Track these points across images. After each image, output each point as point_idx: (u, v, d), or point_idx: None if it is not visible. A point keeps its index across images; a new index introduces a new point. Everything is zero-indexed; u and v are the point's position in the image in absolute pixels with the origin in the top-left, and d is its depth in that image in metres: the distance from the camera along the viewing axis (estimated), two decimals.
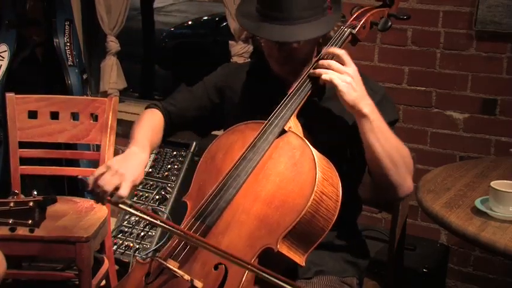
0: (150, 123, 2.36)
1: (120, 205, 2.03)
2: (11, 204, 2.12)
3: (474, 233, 2.23)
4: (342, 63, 2.10)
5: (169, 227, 2.05)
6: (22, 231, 2.21)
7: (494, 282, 3.46)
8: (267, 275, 1.89)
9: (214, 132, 2.62)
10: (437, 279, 3.19)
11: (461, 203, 2.45)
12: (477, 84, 3.32)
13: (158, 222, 2.09)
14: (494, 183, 2.35)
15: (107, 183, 2.01)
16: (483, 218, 2.32)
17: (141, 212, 2.08)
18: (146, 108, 2.46)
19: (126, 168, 2.06)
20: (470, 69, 3.33)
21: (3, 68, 3.79)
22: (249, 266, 1.94)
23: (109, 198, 2.02)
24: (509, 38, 3.21)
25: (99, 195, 2.03)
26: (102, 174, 2.03)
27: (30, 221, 2.13)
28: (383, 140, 2.11)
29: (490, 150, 3.36)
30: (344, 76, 2.08)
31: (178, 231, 2.04)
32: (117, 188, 2.01)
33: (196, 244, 2.01)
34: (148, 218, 2.06)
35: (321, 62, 2.14)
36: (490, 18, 3.19)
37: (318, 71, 2.13)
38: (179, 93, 2.48)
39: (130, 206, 2.05)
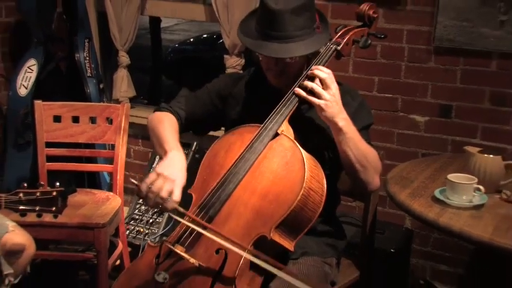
0: (172, 126, 2.29)
1: (172, 214, 2.03)
2: (38, 194, 2.14)
3: (433, 218, 2.23)
4: (325, 84, 2.09)
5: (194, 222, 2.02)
6: (47, 217, 2.23)
7: (450, 259, 3.45)
8: (260, 261, 1.90)
9: (213, 133, 2.59)
10: (403, 257, 3.17)
11: (423, 193, 2.43)
12: (435, 92, 3.31)
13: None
14: (451, 176, 2.34)
15: (162, 189, 1.95)
16: (441, 206, 2.31)
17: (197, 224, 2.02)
18: (157, 110, 2.39)
19: (174, 173, 2.01)
20: (429, 79, 3.31)
21: (32, 79, 3.76)
22: (246, 251, 1.92)
23: (165, 204, 1.97)
24: (462, 53, 3.19)
25: (153, 200, 1.97)
26: (154, 181, 1.97)
27: (54, 208, 2.16)
28: (354, 149, 2.12)
29: (446, 148, 3.34)
30: (321, 95, 2.07)
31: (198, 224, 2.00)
32: (170, 193, 1.96)
33: (210, 233, 1.98)
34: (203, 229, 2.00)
35: (305, 83, 2.12)
36: (446, 36, 3.17)
37: (299, 91, 2.12)
38: (185, 98, 2.43)
39: (180, 214, 2.02)
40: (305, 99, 2.11)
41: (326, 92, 2.08)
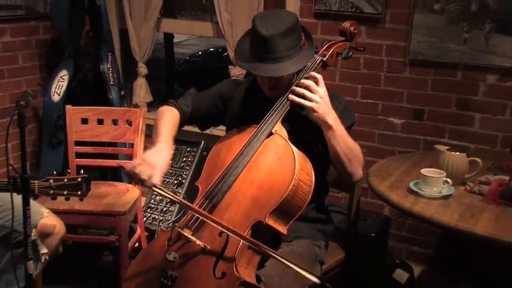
0: (171, 120, 2.30)
1: (153, 188, 2.03)
2: (65, 180, 2.16)
3: (408, 207, 2.22)
4: (314, 88, 2.09)
5: (186, 205, 2.05)
6: (77, 205, 2.32)
7: (422, 242, 3.44)
8: (253, 245, 1.91)
9: (217, 133, 2.59)
10: (382, 241, 3.16)
11: (399, 185, 2.42)
12: (410, 98, 3.29)
13: (177, 200, 2.10)
14: (423, 171, 2.34)
15: (143, 172, 2.00)
16: (415, 196, 2.30)
17: (166, 193, 2.07)
18: (166, 104, 2.40)
19: (156, 161, 2.05)
20: (405, 87, 3.29)
21: (64, 87, 3.76)
22: (243, 238, 1.92)
23: (145, 183, 2.02)
24: (432, 65, 3.18)
25: (135, 180, 2.05)
26: (138, 164, 2.02)
27: (79, 192, 2.18)
28: (341, 143, 2.12)
29: (419, 146, 3.32)
30: (312, 99, 2.08)
31: (192, 208, 2.02)
32: (150, 177, 2.00)
33: (204, 218, 1.99)
34: (171, 197, 2.07)
35: (297, 89, 2.12)
36: (419, 50, 3.16)
37: (292, 98, 2.12)
38: (191, 97, 2.43)
39: (157, 189, 2.04)
40: (299, 104, 2.11)
41: (316, 96, 2.08)
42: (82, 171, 2.23)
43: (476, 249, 2.88)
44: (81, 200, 2.21)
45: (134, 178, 2.04)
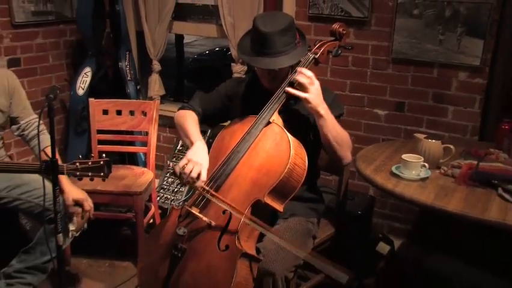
0: (194, 121, 2.27)
1: (201, 191, 2.00)
2: (89, 163, 2.20)
3: (391, 188, 2.22)
4: (309, 83, 2.06)
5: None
6: (97, 182, 2.28)
7: (402, 218, 3.43)
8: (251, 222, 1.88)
9: (222, 123, 2.55)
10: (367, 218, 3.15)
11: (383, 169, 2.41)
12: (393, 92, 3.26)
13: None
14: (404, 156, 2.34)
15: (193, 171, 1.96)
16: (397, 179, 2.29)
17: (211, 195, 2.01)
18: (181, 108, 2.36)
19: (200, 158, 2.01)
20: (388, 82, 3.26)
21: (88, 82, 3.73)
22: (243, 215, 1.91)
23: (195, 184, 1.96)
24: (412, 63, 3.15)
25: (184, 179, 1.97)
26: (185, 164, 1.97)
27: (102, 173, 2.20)
28: (332, 131, 2.10)
29: (400, 135, 3.30)
30: (308, 90, 2.05)
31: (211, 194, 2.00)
32: (199, 175, 1.96)
33: (212, 198, 1.99)
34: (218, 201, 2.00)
35: (296, 79, 2.08)
36: (400, 50, 3.14)
37: (290, 90, 2.09)
38: (200, 99, 2.39)
39: (207, 192, 2.00)
40: (294, 95, 2.08)
41: (312, 87, 2.06)
42: (104, 156, 2.24)
43: (448, 224, 2.86)
44: (104, 180, 2.21)
45: (183, 178, 1.97)
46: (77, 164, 2.19)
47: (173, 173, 2.00)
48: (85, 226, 2.61)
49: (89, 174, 2.21)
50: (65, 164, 2.19)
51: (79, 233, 2.60)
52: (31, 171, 2.31)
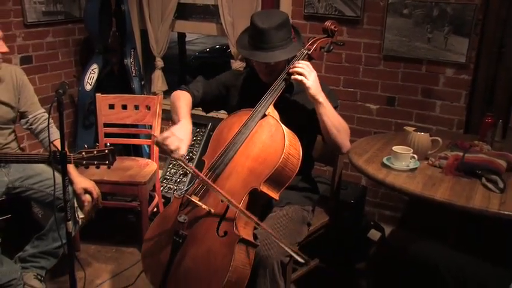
0: (187, 102, 2.25)
1: (178, 161, 1.97)
2: (95, 152, 2.19)
3: (382, 178, 2.21)
4: (309, 69, 2.06)
5: (206, 181, 1.97)
6: (104, 173, 2.38)
7: (392, 207, 3.43)
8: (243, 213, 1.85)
9: (221, 116, 2.56)
10: (359, 206, 3.14)
11: (375, 160, 2.41)
12: (384, 87, 3.26)
13: (195, 172, 1.99)
14: (394, 148, 2.34)
15: (172, 144, 1.94)
16: (387, 169, 2.29)
17: (189, 167, 2.00)
18: (179, 89, 2.35)
19: (182, 134, 2.01)
20: (380, 78, 3.26)
21: (95, 78, 3.73)
22: (239, 207, 1.89)
23: (173, 154, 1.94)
24: (402, 60, 3.14)
25: (164, 150, 1.95)
26: (168, 137, 1.95)
27: (107, 162, 2.20)
28: (331, 117, 2.09)
29: (391, 128, 3.29)
30: (309, 77, 2.04)
31: (209, 183, 1.97)
32: (178, 148, 1.94)
33: (212, 189, 1.97)
34: (187, 167, 2.00)
35: (296, 69, 2.07)
36: (391, 47, 3.13)
37: (294, 71, 2.07)
38: (201, 84, 2.38)
39: (183, 163, 1.98)
40: (297, 80, 2.06)
41: (310, 75, 2.05)
42: (108, 144, 2.24)
43: (435, 211, 2.86)
44: (109, 168, 2.21)
45: (163, 148, 1.96)
46: (83, 153, 2.19)
47: (155, 143, 1.99)
48: (93, 215, 2.61)
49: (95, 162, 2.21)
50: (71, 154, 2.19)
51: (87, 221, 2.60)
52: (40, 161, 2.32)
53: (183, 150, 1.95)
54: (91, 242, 3.17)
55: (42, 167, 2.59)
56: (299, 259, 1.92)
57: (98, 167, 2.20)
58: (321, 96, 2.06)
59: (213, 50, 9.11)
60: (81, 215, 2.52)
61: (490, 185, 2.12)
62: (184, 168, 2.04)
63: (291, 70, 2.09)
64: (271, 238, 1.98)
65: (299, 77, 2.05)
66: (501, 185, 2.11)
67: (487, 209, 1.95)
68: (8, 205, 2.64)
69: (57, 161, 2.04)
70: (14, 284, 2.42)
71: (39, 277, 2.61)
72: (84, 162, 2.20)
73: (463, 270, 1.84)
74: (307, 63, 2.09)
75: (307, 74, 2.04)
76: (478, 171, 2.21)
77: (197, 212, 1.99)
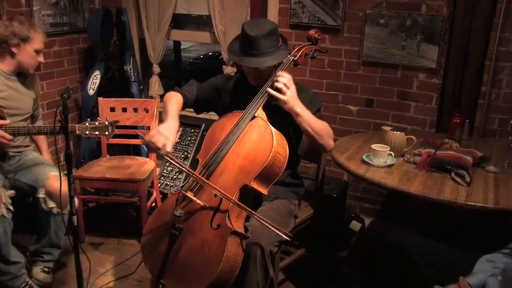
0: (177, 103, 2.23)
1: (165, 157, 1.95)
2: (97, 123, 2.26)
3: (362, 174, 2.22)
4: (286, 86, 2.04)
5: (189, 172, 1.99)
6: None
7: (372, 200, 3.43)
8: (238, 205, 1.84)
9: (214, 118, 2.54)
10: (341, 200, 3.14)
11: (355, 157, 2.42)
12: (363, 90, 3.26)
13: (184, 168, 1.99)
14: (373, 146, 2.35)
15: (158, 141, 1.94)
16: (367, 166, 2.30)
17: (175, 161, 2.00)
18: (173, 90, 2.32)
19: (169, 133, 1.99)
20: (359, 82, 3.26)
21: (97, 83, 3.70)
22: (232, 200, 1.89)
23: (160, 151, 1.94)
24: (379, 65, 3.15)
25: (152, 148, 1.96)
26: (154, 135, 1.95)
27: (107, 133, 2.27)
28: (311, 124, 2.08)
29: (370, 127, 3.30)
30: (286, 93, 2.04)
31: (195, 175, 1.98)
32: (164, 145, 1.93)
33: (203, 183, 1.96)
34: (179, 165, 1.99)
35: (275, 85, 2.06)
36: (369, 54, 3.14)
37: (270, 92, 2.07)
38: (193, 86, 2.36)
39: (170, 158, 1.96)
40: (274, 96, 2.06)
41: (288, 91, 2.04)
42: (108, 118, 2.30)
43: (410, 203, 2.88)
44: (107, 140, 2.22)
45: (151, 146, 1.96)
46: (87, 123, 2.25)
47: (143, 142, 1.98)
48: (67, 204, 2.31)
49: (96, 133, 2.25)
50: (77, 124, 2.25)
51: (64, 210, 2.45)
52: (47, 133, 2.41)
53: (169, 148, 1.95)
54: (94, 235, 3.15)
55: (49, 169, 2.57)
56: (286, 237, 1.91)
57: (99, 139, 2.16)
58: (298, 107, 2.04)
59: (206, 56, 9.10)
60: (51, 204, 2.47)
61: (458, 179, 2.14)
62: (171, 163, 2.01)
63: (274, 84, 2.07)
64: (261, 230, 1.98)
65: (273, 93, 2.05)
66: (468, 179, 2.13)
67: (455, 200, 1.97)
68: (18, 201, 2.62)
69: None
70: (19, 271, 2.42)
71: (46, 269, 2.60)
72: (87, 132, 2.24)
73: (435, 256, 1.85)
74: (289, 77, 2.07)
75: (285, 89, 2.04)
76: (447, 167, 2.23)
77: (192, 207, 1.98)
